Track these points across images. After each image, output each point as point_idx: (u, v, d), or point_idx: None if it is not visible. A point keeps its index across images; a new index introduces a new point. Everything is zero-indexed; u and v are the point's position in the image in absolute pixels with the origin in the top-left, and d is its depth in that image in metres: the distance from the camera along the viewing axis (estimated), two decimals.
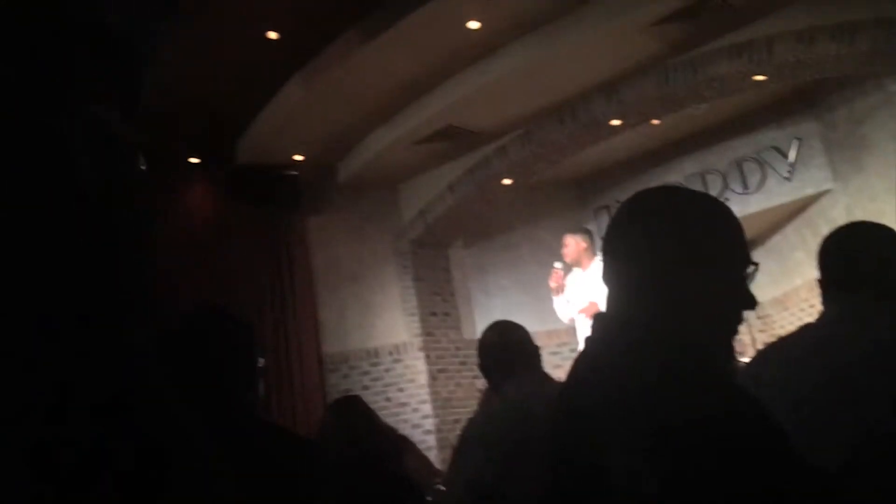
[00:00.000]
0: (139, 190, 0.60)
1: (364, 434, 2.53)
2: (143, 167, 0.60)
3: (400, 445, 2.97)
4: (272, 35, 5.22)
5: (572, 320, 5.68)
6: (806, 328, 1.73)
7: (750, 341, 5.97)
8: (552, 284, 5.56)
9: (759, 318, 7.21)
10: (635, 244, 1.16)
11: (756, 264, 1.16)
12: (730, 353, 1.18)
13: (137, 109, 0.69)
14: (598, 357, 1.16)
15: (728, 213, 1.19)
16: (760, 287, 7.10)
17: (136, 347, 0.55)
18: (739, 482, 0.93)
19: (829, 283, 1.73)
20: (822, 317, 1.71)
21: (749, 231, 7.46)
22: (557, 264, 5.52)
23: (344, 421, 2.65)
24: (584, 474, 1.04)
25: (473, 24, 5.08)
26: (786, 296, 7.03)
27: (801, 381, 1.53)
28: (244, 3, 4.76)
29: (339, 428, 2.59)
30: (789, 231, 7.09)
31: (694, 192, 1.27)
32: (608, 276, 1.19)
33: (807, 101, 6.63)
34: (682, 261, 1.11)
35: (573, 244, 5.53)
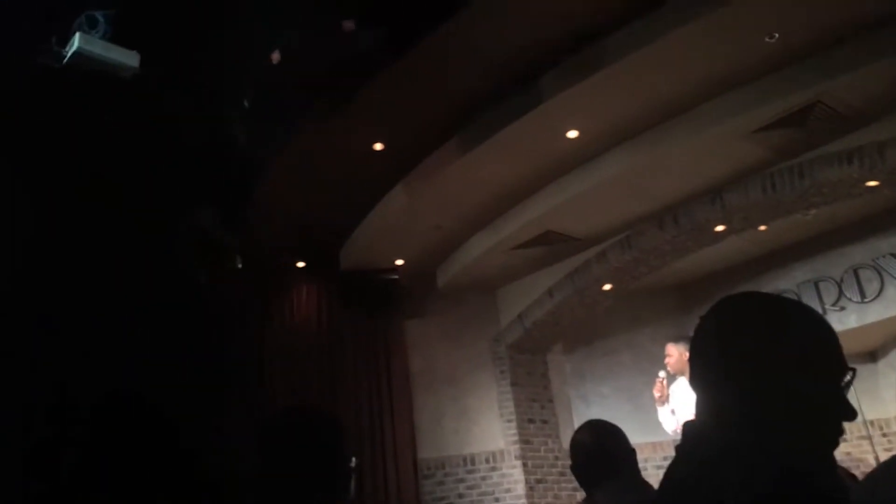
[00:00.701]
0: (235, 286, 0.63)
1: None
2: (238, 265, 0.64)
3: None
4: (378, 146, 5.47)
5: (677, 431, 5.45)
6: None
7: (874, 460, 5.53)
8: (656, 394, 5.38)
9: (883, 435, 6.68)
10: (723, 353, 1.13)
11: (853, 370, 1.10)
12: (831, 468, 1.11)
13: (243, 215, 0.74)
14: (688, 474, 1.11)
15: (819, 319, 1.14)
16: (884, 403, 6.65)
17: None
18: None
19: None
20: None
21: (869, 342, 7.04)
22: (661, 373, 5.36)
23: None
24: None
25: (572, 133, 5.18)
26: None
27: None
28: (353, 116, 5.04)
29: None
30: None
31: (782, 298, 1.23)
32: (696, 384, 1.16)
33: None
34: (773, 371, 1.07)
35: (676, 354, 5.37)
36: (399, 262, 6.84)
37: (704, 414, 1.14)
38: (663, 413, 5.45)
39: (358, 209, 6.24)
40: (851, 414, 1.08)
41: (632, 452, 2.18)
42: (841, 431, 1.09)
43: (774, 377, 1.07)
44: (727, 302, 1.21)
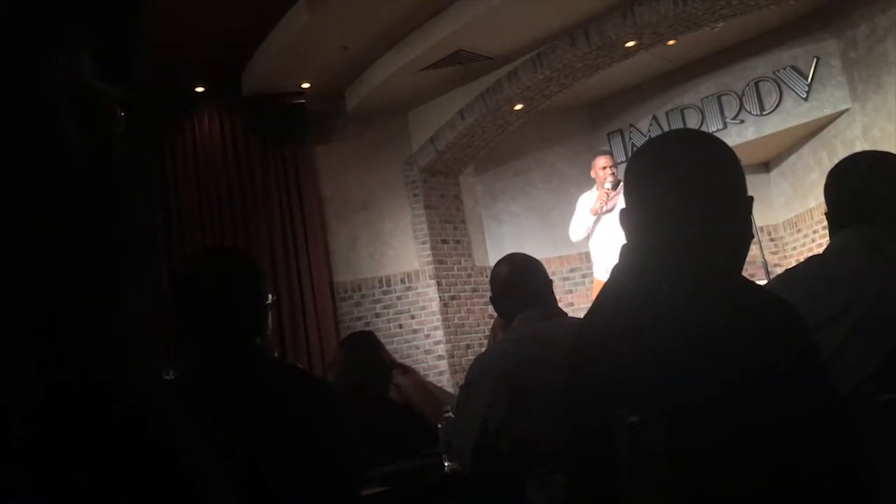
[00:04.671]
0: (119, 141, 0.57)
1: (368, 371, 2.60)
2: (120, 117, 0.57)
3: (390, 376, 3.05)
4: None
5: (588, 234, 5.67)
6: (811, 260, 1.72)
7: (761, 263, 5.96)
8: (598, 204, 5.52)
9: (771, 240, 7.18)
10: (659, 183, 1.19)
11: (751, 197, 1.23)
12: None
13: (127, 48, 0.65)
14: (626, 286, 1.19)
15: (733, 153, 1.25)
16: (774, 210, 7.08)
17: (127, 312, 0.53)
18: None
19: (836, 215, 1.72)
20: (829, 249, 1.70)
21: (764, 153, 7.39)
22: (608, 184, 5.50)
23: (351, 357, 2.73)
24: (598, 420, 1.06)
25: None
26: (799, 217, 6.98)
27: (806, 316, 1.53)
28: None
29: (347, 365, 2.66)
30: (805, 152, 6.97)
31: (710, 135, 1.34)
32: (634, 211, 1.21)
33: (827, 19, 6.41)
34: (708, 198, 1.17)
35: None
36: (305, 85, 6.57)
37: (644, 239, 1.21)
38: (587, 219, 5.62)
39: (259, 28, 5.85)
40: (752, 235, 1.24)
41: (548, 283, 2.26)
42: (748, 250, 1.23)
43: (710, 204, 1.17)
44: (672, 136, 1.27)
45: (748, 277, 1.25)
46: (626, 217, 1.23)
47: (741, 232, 1.19)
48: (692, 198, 1.15)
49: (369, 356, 2.97)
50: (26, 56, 0.49)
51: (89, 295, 0.49)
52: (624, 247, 1.23)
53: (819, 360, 1.07)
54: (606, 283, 1.24)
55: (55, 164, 0.49)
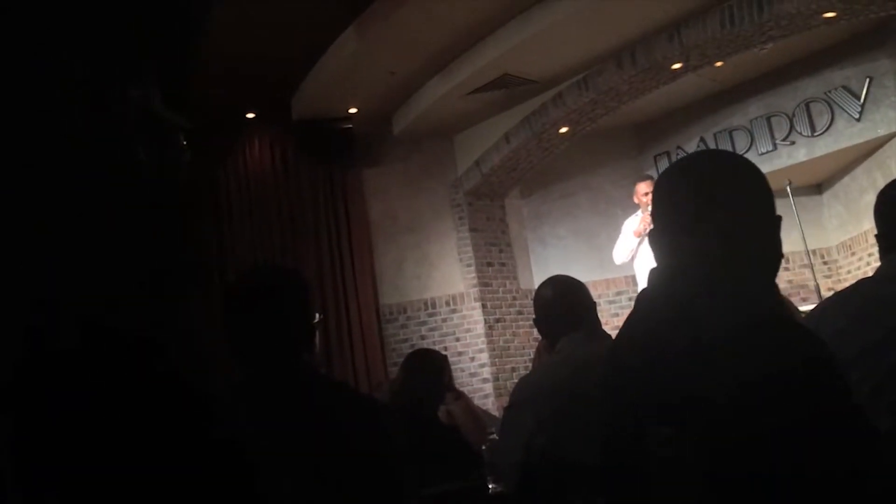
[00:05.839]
0: (183, 165, 0.60)
1: (424, 391, 2.63)
2: (184, 143, 0.60)
3: (444, 399, 3.08)
4: None
5: (632, 256, 5.76)
6: (862, 283, 1.69)
7: (814, 287, 5.82)
8: (642, 226, 5.65)
9: (824, 263, 7.02)
10: (699, 202, 1.18)
11: (779, 217, 1.21)
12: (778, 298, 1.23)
13: (186, 76, 0.69)
14: (651, 312, 1.17)
15: (757, 171, 1.23)
16: (826, 232, 6.94)
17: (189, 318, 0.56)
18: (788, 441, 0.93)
19: (886, 237, 1.68)
20: (879, 271, 1.66)
21: (817, 175, 7.22)
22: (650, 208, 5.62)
23: (412, 374, 2.77)
24: (629, 433, 1.06)
25: None
26: (853, 240, 6.81)
27: (855, 339, 1.50)
28: None
29: (406, 381, 2.70)
30: (859, 173, 6.81)
31: (733, 154, 1.34)
32: (666, 231, 1.19)
33: (879, 38, 6.29)
34: (742, 218, 1.15)
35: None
36: (353, 109, 6.68)
37: (674, 258, 1.20)
38: (630, 242, 5.71)
39: (309, 55, 5.99)
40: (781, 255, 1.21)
41: (592, 306, 2.25)
42: (776, 269, 1.20)
43: (743, 223, 1.15)
44: (699, 158, 1.33)
45: (787, 299, 1.23)
46: (653, 238, 1.23)
47: (767, 250, 1.16)
48: (714, 216, 1.14)
49: (430, 376, 3.00)
50: (104, 87, 0.53)
51: (158, 296, 0.52)
52: (652, 271, 1.23)
53: (840, 374, 1.04)
54: (635, 305, 1.24)
55: (131, 185, 0.52)
